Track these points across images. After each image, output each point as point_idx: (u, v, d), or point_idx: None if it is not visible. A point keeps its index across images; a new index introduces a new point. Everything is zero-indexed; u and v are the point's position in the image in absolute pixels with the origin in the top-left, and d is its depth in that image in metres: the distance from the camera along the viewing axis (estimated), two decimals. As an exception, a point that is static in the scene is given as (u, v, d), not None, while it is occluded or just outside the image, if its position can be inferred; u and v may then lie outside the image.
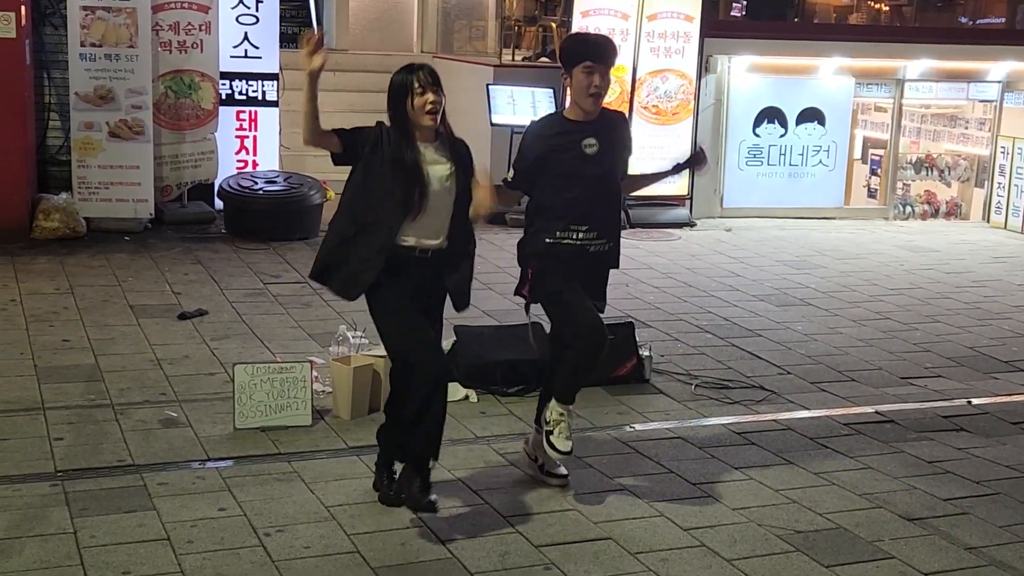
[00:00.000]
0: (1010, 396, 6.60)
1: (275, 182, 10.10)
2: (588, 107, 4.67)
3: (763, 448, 5.52)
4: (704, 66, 11.62)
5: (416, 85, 4.30)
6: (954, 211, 12.87)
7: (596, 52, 4.66)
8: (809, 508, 4.83)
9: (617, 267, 4.93)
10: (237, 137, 10.69)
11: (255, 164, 10.75)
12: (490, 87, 11.00)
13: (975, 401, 6.41)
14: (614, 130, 4.82)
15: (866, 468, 5.35)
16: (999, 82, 12.48)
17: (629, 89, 11.13)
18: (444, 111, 4.40)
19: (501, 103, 10.93)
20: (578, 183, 4.68)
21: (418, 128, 4.35)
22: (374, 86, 12.71)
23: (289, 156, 11.21)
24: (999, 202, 12.43)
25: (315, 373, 5.92)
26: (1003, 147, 12.43)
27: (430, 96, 4.30)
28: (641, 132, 10.32)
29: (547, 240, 4.74)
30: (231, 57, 10.51)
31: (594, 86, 4.62)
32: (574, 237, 4.72)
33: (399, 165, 4.31)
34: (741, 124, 11.88)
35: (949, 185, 13.04)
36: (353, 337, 6.17)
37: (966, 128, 12.88)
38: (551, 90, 11.01)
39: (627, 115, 5.40)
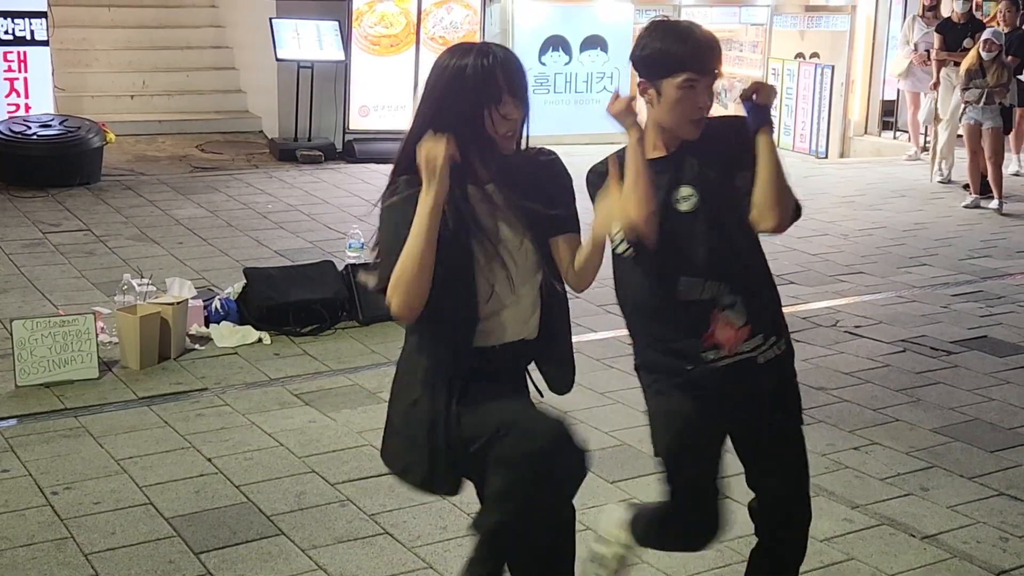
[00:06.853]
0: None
1: (50, 126, 9.70)
2: (687, 134, 3.15)
3: (552, 372, 5.71)
4: (488, -5, 11.71)
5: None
6: (732, 131, 13.44)
7: (701, 58, 3.10)
8: (596, 427, 5.02)
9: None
10: (6, 80, 10.22)
11: (28, 108, 10.29)
12: (273, 21, 10.80)
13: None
14: (716, 148, 3.15)
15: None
16: (768, 6, 13.02)
17: (415, 21, 11.11)
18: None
19: (286, 37, 10.76)
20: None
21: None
22: (153, 21, 12.29)
23: (64, 98, 10.78)
24: (772, 121, 13.03)
25: (100, 324, 5.79)
26: (774, 68, 13.02)
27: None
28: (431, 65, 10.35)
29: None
30: (-7, -6, 10.02)
31: (699, 108, 3.11)
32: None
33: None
34: (527, 53, 12.03)
35: (727, 107, 13.56)
36: (139, 285, 6.06)
37: (740, 51, 13.41)
38: (336, 23, 10.90)
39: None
